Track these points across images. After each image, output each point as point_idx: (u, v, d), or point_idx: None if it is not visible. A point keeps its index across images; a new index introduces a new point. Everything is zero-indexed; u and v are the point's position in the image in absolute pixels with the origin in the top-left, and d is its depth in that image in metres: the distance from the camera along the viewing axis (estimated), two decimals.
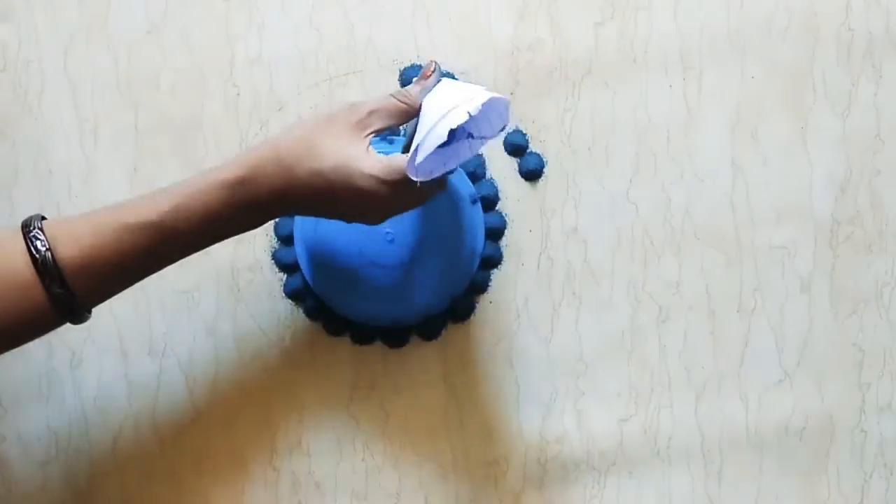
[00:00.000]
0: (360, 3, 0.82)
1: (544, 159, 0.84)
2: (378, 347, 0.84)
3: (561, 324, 0.84)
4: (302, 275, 0.83)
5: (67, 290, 0.66)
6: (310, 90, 0.83)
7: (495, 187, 0.84)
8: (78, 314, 0.68)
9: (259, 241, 0.83)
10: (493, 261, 0.84)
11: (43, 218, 0.68)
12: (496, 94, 0.69)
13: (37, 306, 0.67)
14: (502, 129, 0.71)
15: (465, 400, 0.85)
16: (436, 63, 0.73)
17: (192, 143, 0.83)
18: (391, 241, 0.81)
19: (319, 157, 0.69)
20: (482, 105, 0.67)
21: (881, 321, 0.85)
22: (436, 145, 0.67)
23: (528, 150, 0.83)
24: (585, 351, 0.85)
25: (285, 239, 0.83)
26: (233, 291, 0.84)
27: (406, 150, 0.74)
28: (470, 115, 0.67)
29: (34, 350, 0.83)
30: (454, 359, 0.85)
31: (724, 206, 0.84)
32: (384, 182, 0.69)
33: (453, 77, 0.82)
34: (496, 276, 0.84)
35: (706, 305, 0.85)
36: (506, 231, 0.84)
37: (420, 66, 0.82)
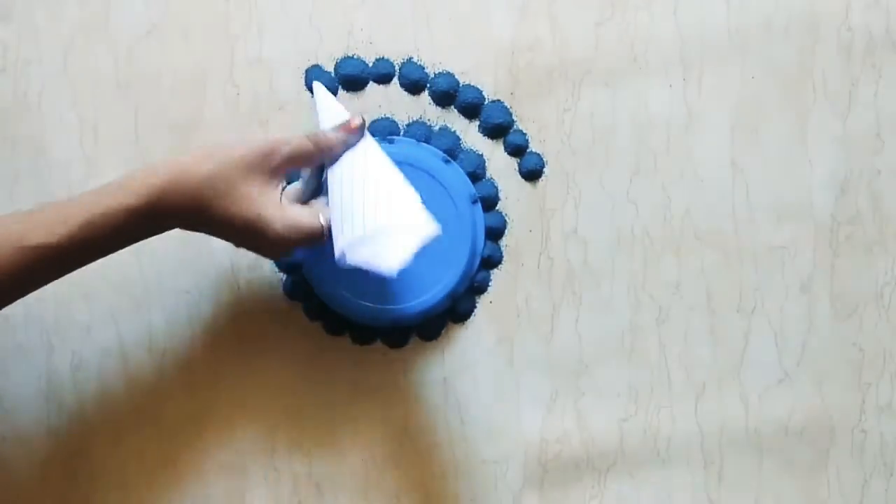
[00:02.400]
0: (360, 3, 0.82)
1: (544, 159, 0.84)
2: (378, 347, 0.85)
3: (561, 324, 0.84)
4: (302, 275, 0.83)
5: None
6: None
7: (495, 187, 0.84)
8: None
9: None
10: (493, 261, 0.84)
11: None
12: (436, 232, 0.72)
13: None
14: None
15: (465, 400, 0.85)
16: (363, 118, 0.74)
17: (192, 143, 0.83)
18: None
19: (235, 204, 0.69)
20: (425, 242, 0.71)
21: (881, 321, 0.85)
22: (365, 265, 0.70)
23: (528, 150, 0.83)
24: (585, 351, 0.85)
25: None
26: (233, 291, 0.84)
27: (312, 195, 0.75)
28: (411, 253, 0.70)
29: (34, 350, 0.83)
30: (454, 359, 0.85)
31: (724, 206, 0.84)
32: (288, 239, 0.71)
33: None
34: (496, 276, 0.84)
35: (706, 305, 0.85)
36: (506, 231, 0.84)
37: (420, 66, 0.82)
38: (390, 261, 0.70)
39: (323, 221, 0.72)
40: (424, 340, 0.84)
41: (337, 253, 0.72)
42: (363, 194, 0.72)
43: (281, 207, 0.71)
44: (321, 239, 0.72)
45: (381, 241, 0.71)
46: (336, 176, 0.74)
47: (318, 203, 0.75)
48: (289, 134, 0.73)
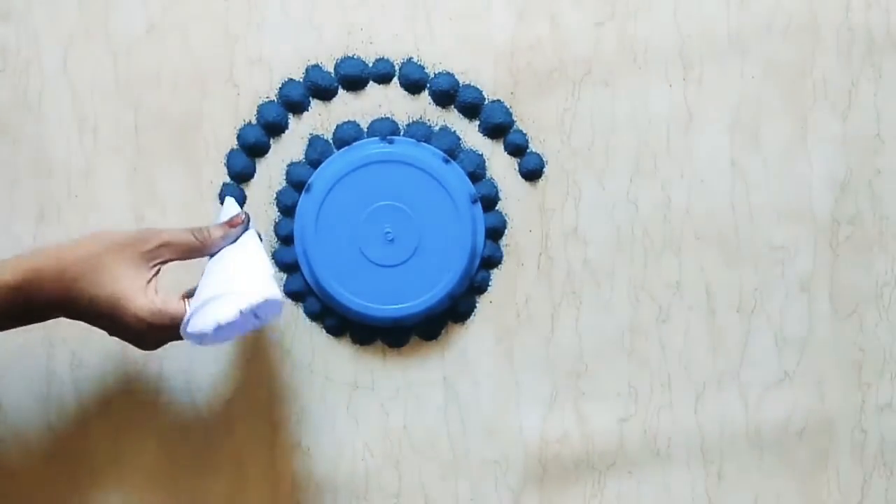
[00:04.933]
0: (360, 3, 0.82)
1: (544, 159, 0.84)
2: (378, 347, 0.85)
3: (561, 324, 0.84)
4: (302, 275, 0.83)
5: None
6: None
7: (495, 187, 0.84)
8: None
9: None
10: (493, 261, 0.84)
11: None
12: (274, 296, 0.70)
13: None
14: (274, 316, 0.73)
15: (465, 400, 0.85)
16: (247, 215, 0.75)
17: (192, 143, 0.83)
18: (391, 242, 0.81)
19: (98, 283, 0.69)
20: (255, 304, 0.69)
21: (881, 321, 0.85)
22: (202, 332, 0.69)
23: (528, 150, 0.83)
24: (585, 351, 0.85)
25: (285, 239, 0.83)
26: None
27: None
28: (240, 312, 0.69)
29: (34, 350, 0.83)
30: (454, 359, 0.85)
31: (724, 206, 0.84)
32: (151, 325, 0.70)
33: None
34: (496, 276, 0.84)
35: (706, 305, 0.85)
36: (506, 231, 0.84)
37: (420, 66, 0.82)
38: (213, 318, 0.69)
39: (191, 309, 0.72)
40: (424, 340, 0.84)
41: (181, 326, 0.71)
42: (219, 269, 0.73)
43: (146, 291, 0.70)
44: None
45: (213, 303, 0.70)
46: (208, 266, 0.74)
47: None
48: (174, 227, 0.74)
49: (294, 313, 0.84)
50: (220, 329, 0.69)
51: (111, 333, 0.71)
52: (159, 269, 0.72)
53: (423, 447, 0.85)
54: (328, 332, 0.84)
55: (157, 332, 0.70)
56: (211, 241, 0.74)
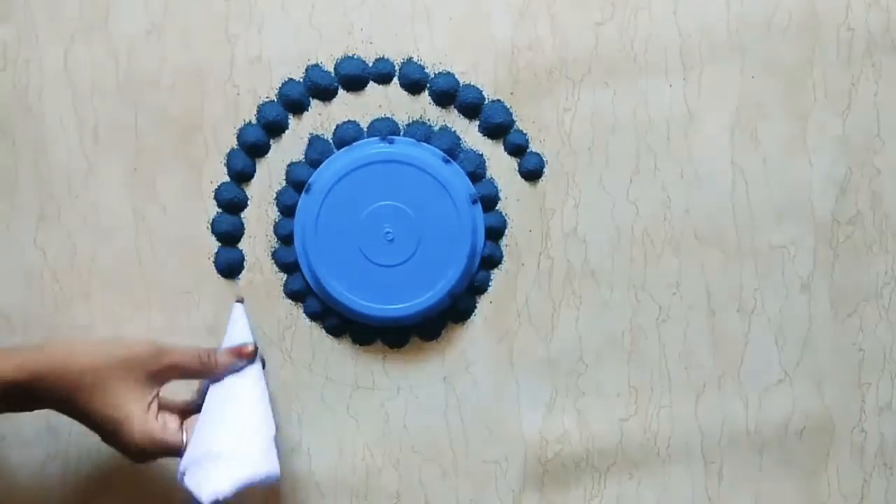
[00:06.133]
0: (360, 3, 0.82)
1: (544, 159, 0.84)
2: (378, 347, 0.85)
3: (561, 324, 0.84)
4: (302, 275, 0.83)
5: None
6: None
7: (495, 187, 0.84)
8: None
9: (259, 241, 0.84)
10: (493, 261, 0.84)
11: None
12: (273, 472, 0.73)
13: None
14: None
15: (465, 400, 0.85)
16: (256, 347, 0.77)
17: (192, 143, 0.83)
18: (391, 241, 0.81)
19: (100, 401, 0.70)
20: (254, 481, 0.71)
21: (881, 321, 0.85)
22: (197, 494, 0.71)
23: (528, 150, 0.83)
24: (585, 351, 0.85)
25: (285, 239, 0.83)
26: (233, 292, 0.83)
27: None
28: (236, 489, 0.71)
29: None
30: (454, 359, 0.85)
31: (724, 206, 0.84)
32: (146, 451, 0.72)
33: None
34: (496, 276, 0.84)
35: (706, 305, 0.85)
36: (506, 231, 0.84)
37: (420, 66, 0.82)
38: (210, 487, 0.70)
39: (186, 438, 0.73)
40: (424, 340, 0.84)
41: (178, 468, 0.72)
42: (221, 417, 0.74)
43: (146, 415, 0.71)
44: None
45: (212, 465, 0.71)
46: (211, 394, 0.76)
47: (194, 418, 0.76)
48: (182, 346, 0.75)
49: (294, 313, 0.84)
50: (216, 500, 0.70)
51: (105, 442, 0.73)
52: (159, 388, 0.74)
53: (423, 447, 0.85)
54: (328, 332, 0.84)
55: (152, 456, 0.73)
56: (217, 369, 0.76)
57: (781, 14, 0.83)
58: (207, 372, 0.76)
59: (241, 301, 0.81)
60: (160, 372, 0.73)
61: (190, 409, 0.76)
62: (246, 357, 0.77)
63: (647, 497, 0.86)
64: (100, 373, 0.70)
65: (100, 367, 0.70)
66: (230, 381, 0.76)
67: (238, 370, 0.77)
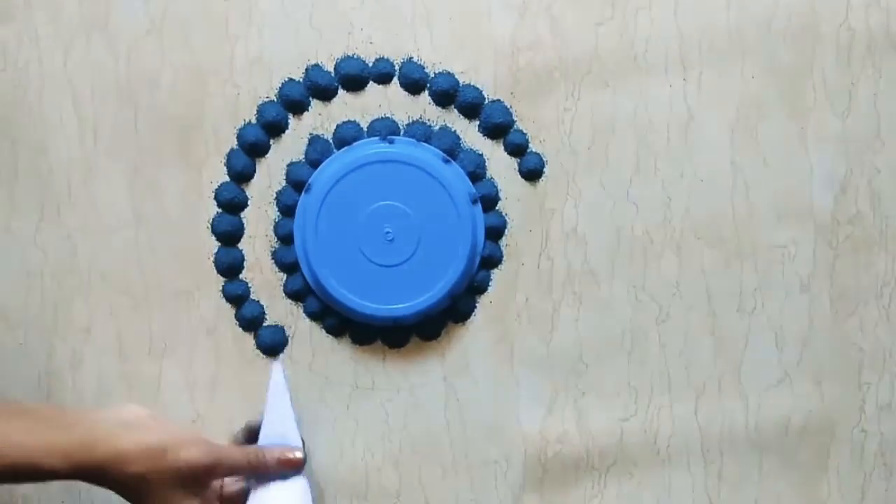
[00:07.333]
0: (360, 3, 0.82)
1: (544, 159, 0.84)
2: (378, 347, 0.85)
3: (561, 324, 0.84)
4: (302, 275, 0.83)
5: None
6: None
7: (495, 187, 0.84)
8: None
9: (259, 241, 0.84)
10: (493, 261, 0.84)
11: None
12: None
13: None
14: None
15: (465, 400, 0.85)
16: (305, 456, 0.77)
17: (192, 143, 0.83)
18: (391, 241, 0.81)
19: (149, 500, 0.70)
20: None
21: (881, 321, 0.85)
22: None
23: (528, 150, 0.83)
24: (585, 351, 0.85)
25: (285, 239, 0.83)
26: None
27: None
28: None
29: (34, 350, 0.83)
30: (454, 359, 0.85)
31: (724, 206, 0.84)
32: None
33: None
34: (496, 276, 0.84)
35: (706, 305, 0.85)
36: (506, 231, 0.84)
37: (420, 66, 0.82)
38: None
39: None
40: (424, 340, 0.84)
41: None
42: None
43: None
44: None
45: None
46: (256, 499, 0.76)
47: None
48: (230, 447, 0.75)
49: (294, 313, 0.84)
50: None
51: None
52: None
53: (423, 447, 0.85)
54: (328, 332, 0.84)
55: None
56: (263, 469, 0.76)
57: (781, 14, 0.83)
58: (254, 471, 0.76)
59: (278, 361, 0.82)
60: (209, 479, 0.73)
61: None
62: (294, 467, 0.77)
63: (647, 497, 0.86)
64: (152, 484, 0.70)
65: (152, 480, 0.70)
66: (274, 493, 0.76)
67: (285, 478, 0.77)
